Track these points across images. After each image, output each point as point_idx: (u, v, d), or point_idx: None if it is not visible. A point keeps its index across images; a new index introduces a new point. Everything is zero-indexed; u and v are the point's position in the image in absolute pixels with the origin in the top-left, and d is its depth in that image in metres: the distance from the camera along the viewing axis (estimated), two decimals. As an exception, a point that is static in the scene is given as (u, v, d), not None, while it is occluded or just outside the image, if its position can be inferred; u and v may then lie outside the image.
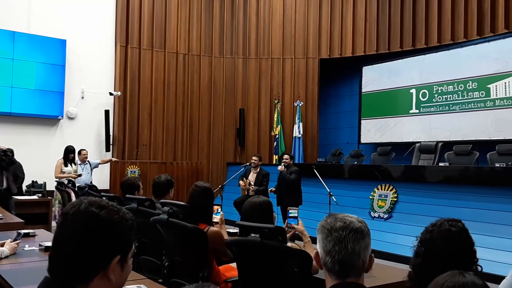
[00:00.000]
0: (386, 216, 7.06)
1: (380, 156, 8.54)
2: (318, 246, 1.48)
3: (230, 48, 10.83)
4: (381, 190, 7.30)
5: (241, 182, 7.62)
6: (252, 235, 2.50)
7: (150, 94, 9.98)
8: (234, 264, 2.95)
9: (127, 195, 3.90)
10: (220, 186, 7.85)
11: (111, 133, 9.47)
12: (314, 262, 1.57)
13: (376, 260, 4.45)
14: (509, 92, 7.77)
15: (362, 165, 8.20)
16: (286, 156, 7.31)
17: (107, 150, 9.44)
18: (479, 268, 1.85)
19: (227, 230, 3.95)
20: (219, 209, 3.42)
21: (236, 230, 4.05)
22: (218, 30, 10.73)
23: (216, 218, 3.37)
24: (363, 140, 10.18)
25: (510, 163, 6.00)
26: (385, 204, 7.13)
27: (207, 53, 10.64)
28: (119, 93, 9.57)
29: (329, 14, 10.54)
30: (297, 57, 10.76)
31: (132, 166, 9.03)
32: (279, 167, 7.16)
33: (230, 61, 10.83)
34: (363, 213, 7.28)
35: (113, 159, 9.05)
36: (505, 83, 7.83)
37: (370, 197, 7.39)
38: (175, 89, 10.27)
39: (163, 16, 10.15)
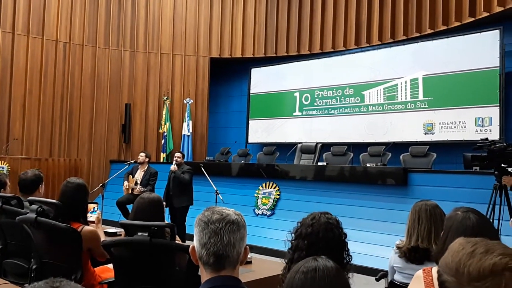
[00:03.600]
0: (269, 213, 7.32)
1: (266, 155, 8.85)
2: (195, 240, 1.46)
3: (116, 40, 10.33)
4: (265, 188, 7.56)
5: (125, 183, 7.27)
6: (139, 234, 2.40)
7: (24, 83, 9.09)
8: (110, 265, 2.80)
9: (-11, 193, 3.49)
10: (101, 184, 7.43)
11: (-25, 125, 8.45)
12: None
13: (259, 256, 4.56)
14: (380, 99, 8.56)
15: (248, 164, 8.39)
16: (178, 154, 7.06)
17: (-30, 143, 8.40)
18: (350, 257, 1.99)
19: (106, 230, 3.76)
20: (96, 207, 3.24)
21: (115, 230, 3.87)
22: (103, 19, 10.16)
23: (92, 217, 3.17)
24: (250, 140, 10.44)
25: (379, 164, 6.62)
26: (269, 201, 7.39)
27: (90, 43, 10.01)
28: (-14, 80, 8.57)
29: (220, 13, 10.63)
30: (187, 54, 10.66)
31: (0, 162, 8.15)
32: (172, 167, 6.88)
33: (116, 53, 10.33)
34: (248, 211, 7.47)
35: (-23, 154, 8.08)
36: (377, 90, 8.61)
37: (255, 194, 7.61)
38: (53, 80, 9.48)
39: (42, 0, 9.32)
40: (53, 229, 2.73)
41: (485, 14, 7.27)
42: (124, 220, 2.64)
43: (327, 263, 1.26)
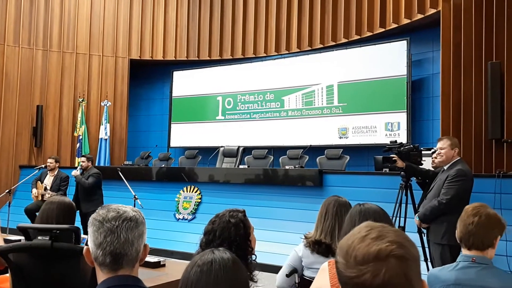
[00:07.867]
0: (190, 217, 7.24)
1: (188, 159, 8.75)
2: (89, 241, 1.39)
3: (27, 38, 9.69)
4: (187, 192, 7.47)
5: (33, 190, 6.85)
6: (39, 237, 2.24)
7: None
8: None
9: None
10: (7, 190, 6.92)
11: None
12: None
13: (180, 261, 4.47)
14: (298, 104, 8.83)
15: (169, 168, 8.25)
16: (82, 159, 6.84)
17: None
18: (253, 257, 2.01)
19: (8, 238, 3.51)
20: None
21: (19, 238, 3.61)
22: (13, 16, 9.49)
23: (-11, 223, 2.93)
24: (172, 144, 10.28)
25: (297, 166, 6.82)
26: (190, 205, 7.31)
27: (-2, 41, 9.32)
28: None
29: (140, 14, 10.38)
30: (105, 54, 10.27)
31: None
32: (73, 172, 6.66)
33: (27, 52, 9.68)
34: (169, 216, 7.34)
35: None
36: (296, 96, 8.87)
37: (176, 199, 7.49)
38: (-46, 78, 8.70)
39: None
40: None
41: (394, 26, 7.78)
42: (22, 224, 2.44)
43: (224, 255, 1.24)
